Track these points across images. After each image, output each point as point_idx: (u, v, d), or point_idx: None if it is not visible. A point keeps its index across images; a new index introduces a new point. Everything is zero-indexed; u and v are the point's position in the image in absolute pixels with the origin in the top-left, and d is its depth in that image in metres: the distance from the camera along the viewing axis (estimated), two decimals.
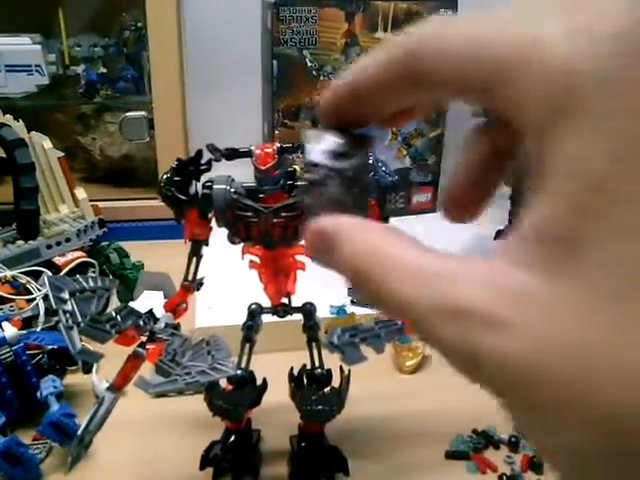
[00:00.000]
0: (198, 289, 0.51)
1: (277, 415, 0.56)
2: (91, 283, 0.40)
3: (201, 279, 0.50)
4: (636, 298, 0.12)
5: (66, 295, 0.37)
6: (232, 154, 0.45)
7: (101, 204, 0.95)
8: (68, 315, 0.36)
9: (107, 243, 0.86)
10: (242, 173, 0.49)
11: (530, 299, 0.12)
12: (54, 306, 0.36)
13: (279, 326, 0.56)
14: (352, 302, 0.72)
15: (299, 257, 0.48)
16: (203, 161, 0.47)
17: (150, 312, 0.45)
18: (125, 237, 0.92)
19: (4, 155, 0.80)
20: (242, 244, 0.48)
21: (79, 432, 0.38)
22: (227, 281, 0.71)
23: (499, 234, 0.85)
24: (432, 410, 0.61)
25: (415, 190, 1.05)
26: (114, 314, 0.40)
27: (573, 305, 0.12)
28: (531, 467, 0.54)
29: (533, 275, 0.13)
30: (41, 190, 0.85)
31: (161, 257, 0.81)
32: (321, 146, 0.22)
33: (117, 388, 0.41)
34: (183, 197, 0.47)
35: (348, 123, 0.21)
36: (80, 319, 0.36)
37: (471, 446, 0.56)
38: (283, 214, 0.45)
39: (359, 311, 0.69)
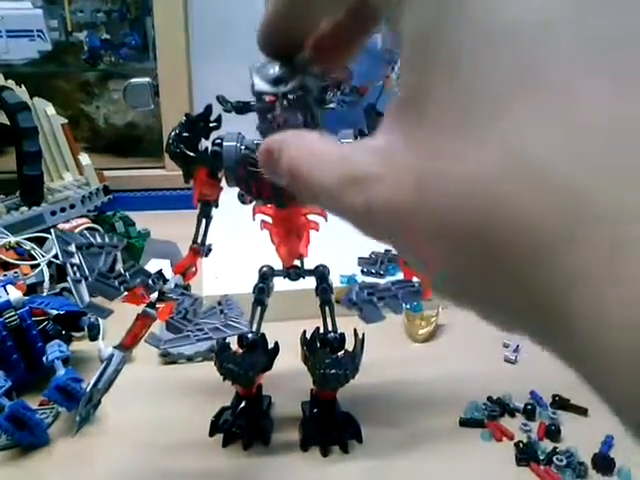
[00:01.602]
0: (207, 255, 0.49)
1: (288, 381, 0.55)
2: (99, 239, 0.38)
3: (209, 245, 0.49)
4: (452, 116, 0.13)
5: (73, 248, 0.35)
6: (243, 107, 0.44)
7: (105, 173, 0.93)
8: (75, 268, 0.34)
9: (112, 212, 0.84)
10: (250, 133, 0.47)
11: (394, 154, 0.15)
12: (61, 259, 0.34)
13: (290, 294, 0.54)
14: (362, 272, 0.70)
15: (312, 217, 0.47)
16: (212, 118, 0.45)
17: (159, 272, 0.44)
18: (130, 207, 0.90)
19: (6, 122, 0.78)
20: (253, 204, 0.47)
21: (87, 389, 0.36)
22: (234, 250, 0.70)
23: None
24: (446, 377, 0.60)
25: None
26: (123, 271, 0.38)
27: (419, 146, 0.14)
28: (547, 435, 0.53)
29: (396, 135, 0.15)
30: (44, 157, 0.83)
31: (167, 226, 0.80)
32: (264, 76, 0.25)
33: (126, 347, 0.40)
34: (192, 154, 0.45)
35: (287, 47, 0.22)
36: (88, 273, 0.35)
37: (486, 414, 0.55)
38: None
39: (369, 280, 0.67)
